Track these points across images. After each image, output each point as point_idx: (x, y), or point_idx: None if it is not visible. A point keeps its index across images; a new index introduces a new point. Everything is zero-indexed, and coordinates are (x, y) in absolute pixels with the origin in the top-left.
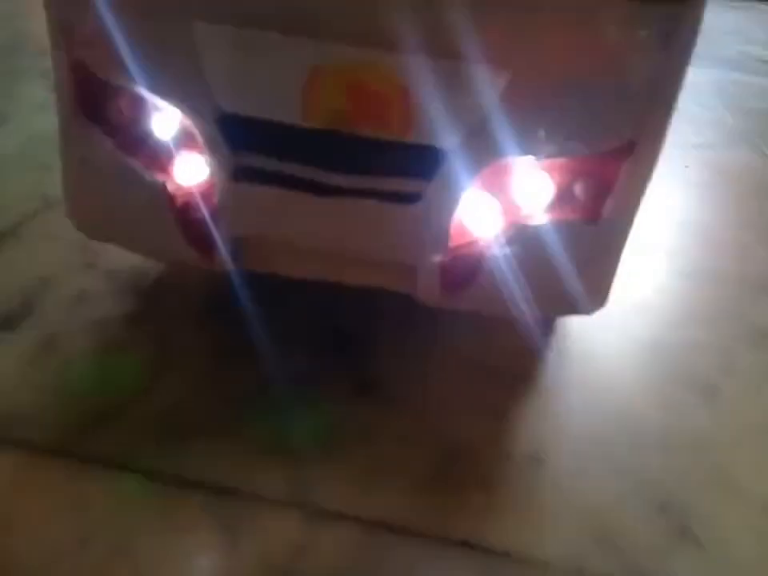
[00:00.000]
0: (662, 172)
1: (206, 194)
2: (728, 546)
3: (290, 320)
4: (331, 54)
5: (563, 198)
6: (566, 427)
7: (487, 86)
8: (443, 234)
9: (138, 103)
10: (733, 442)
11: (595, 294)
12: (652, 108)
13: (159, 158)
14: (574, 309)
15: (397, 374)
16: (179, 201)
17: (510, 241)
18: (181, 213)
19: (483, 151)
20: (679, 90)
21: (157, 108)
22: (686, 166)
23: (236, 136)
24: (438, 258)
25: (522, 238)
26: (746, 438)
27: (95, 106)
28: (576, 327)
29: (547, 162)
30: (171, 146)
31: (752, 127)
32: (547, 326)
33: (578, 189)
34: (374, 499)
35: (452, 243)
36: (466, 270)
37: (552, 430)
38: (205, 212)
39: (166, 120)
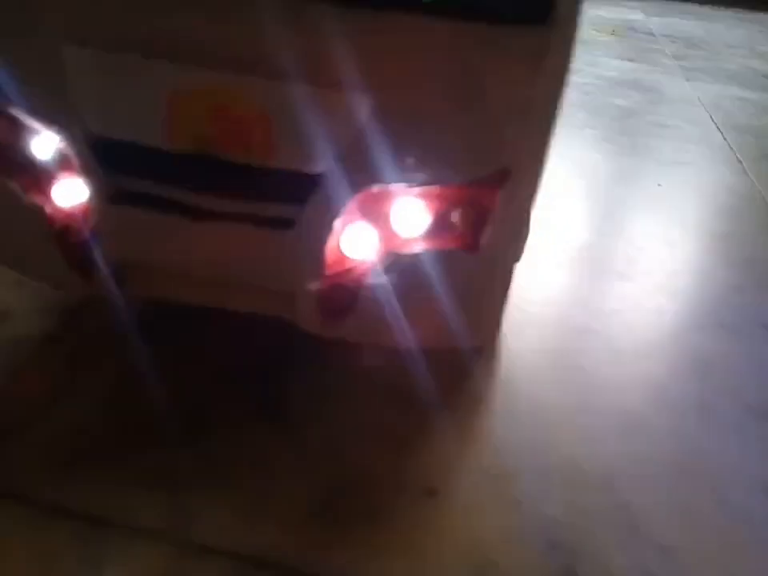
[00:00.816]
0: (633, 190)
1: (84, 217)
2: None
3: (201, 345)
4: (192, 79)
5: (441, 226)
6: (469, 459)
7: (350, 112)
8: (318, 260)
9: (14, 126)
10: (643, 484)
11: (481, 327)
12: (524, 134)
13: (38, 180)
14: (459, 342)
15: (305, 400)
16: (58, 223)
17: (389, 269)
18: (60, 236)
19: (352, 178)
20: (554, 115)
21: (34, 131)
22: (659, 185)
23: (109, 159)
24: (315, 286)
25: (401, 266)
26: (660, 479)
27: None
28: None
29: (421, 189)
30: (50, 168)
31: (740, 145)
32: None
33: (456, 217)
34: (255, 533)
35: (329, 270)
36: (344, 297)
37: (455, 461)
38: (84, 235)
39: (44, 143)
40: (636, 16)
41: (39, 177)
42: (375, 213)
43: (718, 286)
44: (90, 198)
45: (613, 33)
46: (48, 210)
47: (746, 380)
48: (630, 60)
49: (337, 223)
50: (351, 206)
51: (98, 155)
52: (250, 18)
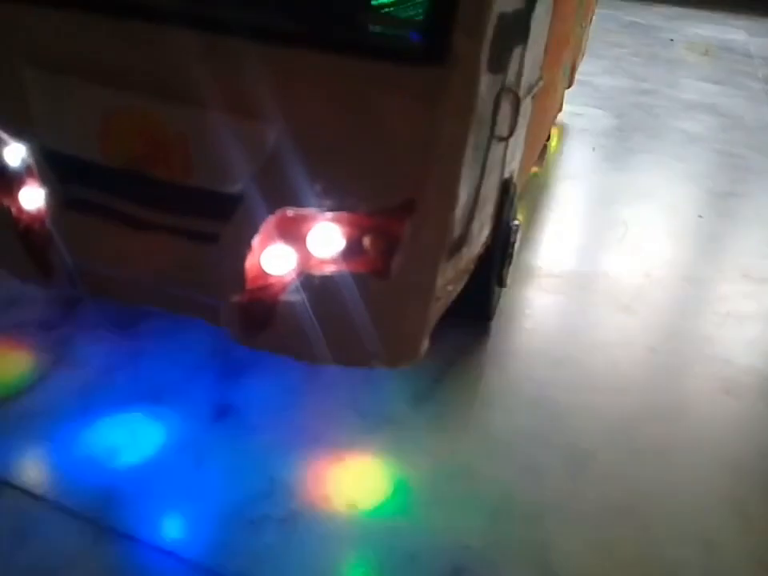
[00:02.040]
0: (672, 218)
1: (43, 221)
2: None
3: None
4: (121, 102)
5: (353, 250)
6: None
7: (261, 140)
8: (240, 274)
9: None
10: (568, 519)
11: (395, 348)
12: (428, 169)
13: (7, 184)
14: (370, 362)
15: (262, 404)
16: (22, 224)
17: (304, 287)
18: (23, 235)
19: (267, 200)
20: (461, 152)
21: (4, 142)
22: (700, 216)
23: (60, 170)
24: (236, 298)
25: (316, 285)
26: (590, 518)
27: None
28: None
29: (333, 215)
30: (17, 175)
31: None
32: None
33: (367, 243)
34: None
35: (250, 284)
36: (263, 311)
37: (379, 483)
38: (43, 236)
39: (12, 152)
40: (737, 36)
41: (8, 182)
42: (291, 234)
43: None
44: (47, 204)
45: (705, 53)
46: (14, 211)
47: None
48: (715, 83)
49: (256, 241)
50: (268, 226)
51: (51, 166)
52: (172, 49)
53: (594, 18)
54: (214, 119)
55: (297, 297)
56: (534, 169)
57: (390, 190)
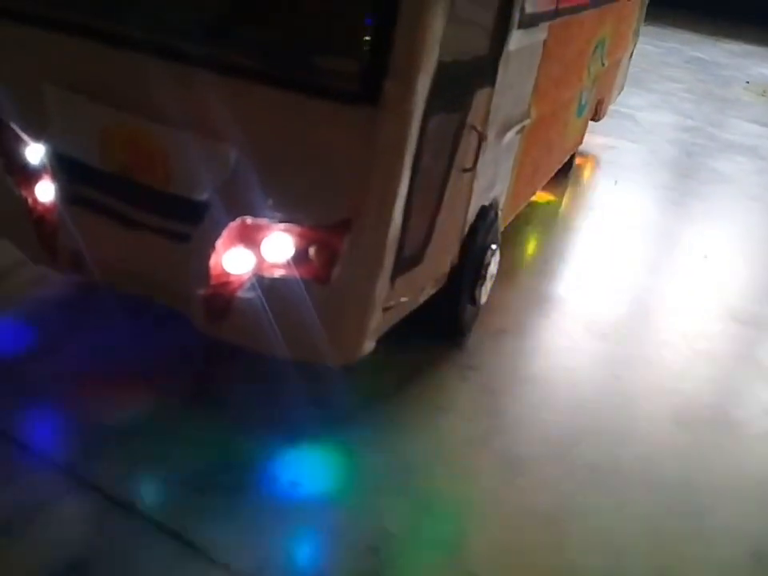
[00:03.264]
0: (677, 257)
1: (53, 212)
2: None
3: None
4: (116, 119)
5: (300, 258)
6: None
7: (223, 158)
8: (205, 270)
9: (15, 137)
10: (490, 520)
11: (337, 348)
12: (362, 194)
13: (28, 179)
14: (317, 357)
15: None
16: (36, 213)
17: (257, 286)
18: (36, 222)
19: (228, 208)
20: (394, 182)
21: (27, 143)
22: (705, 257)
23: (68, 170)
24: (201, 291)
25: (267, 285)
26: (512, 522)
27: None
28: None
29: (284, 226)
30: (36, 171)
31: None
32: None
33: (312, 253)
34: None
35: (213, 281)
36: (222, 304)
37: (325, 467)
38: (52, 225)
39: (33, 153)
40: None
41: (28, 176)
42: (249, 239)
43: None
44: (57, 198)
45: (764, 93)
46: (30, 202)
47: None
48: (764, 125)
49: (219, 243)
50: (230, 231)
51: (61, 166)
52: (156, 77)
53: (630, 53)
54: (187, 138)
55: (251, 294)
56: (549, 197)
57: (329, 209)
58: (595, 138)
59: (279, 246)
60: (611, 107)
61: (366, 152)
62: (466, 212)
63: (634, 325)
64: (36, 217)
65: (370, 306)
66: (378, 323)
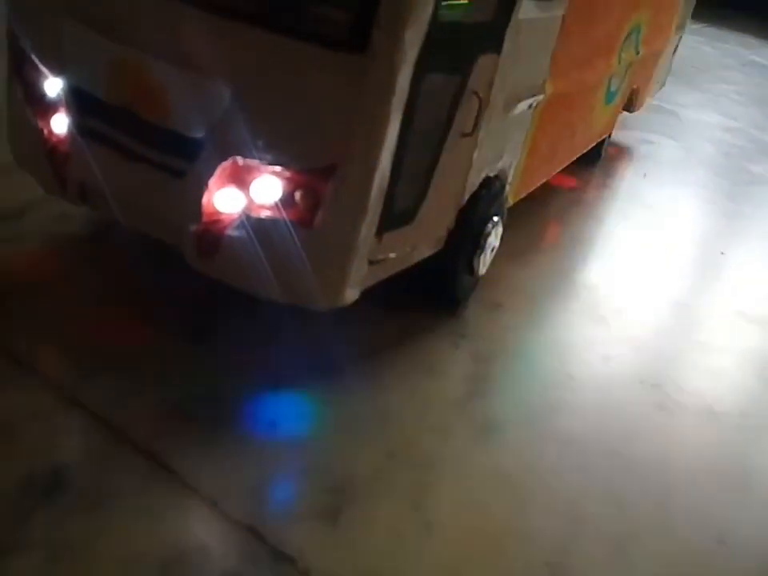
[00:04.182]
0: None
1: (64, 143)
2: None
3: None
4: (122, 53)
5: (286, 201)
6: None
7: (219, 96)
8: (197, 207)
9: (36, 70)
10: (456, 476)
11: (319, 292)
12: (348, 141)
13: (46, 110)
14: (300, 299)
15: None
16: (49, 143)
17: (245, 226)
18: (50, 153)
19: (221, 147)
20: (380, 131)
21: (46, 75)
22: (722, 253)
23: (78, 103)
24: (193, 227)
25: (254, 225)
26: (476, 480)
27: (17, 66)
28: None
29: (273, 168)
30: (53, 103)
31: None
32: None
33: (297, 197)
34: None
35: (205, 218)
36: (212, 241)
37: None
38: (63, 156)
39: (51, 85)
40: None
41: (45, 108)
42: (239, 180)
43: None
44: (68, 130)
45: None
46: (45, 133)
47: None
48: None
49: (212, 181)
50: (222, 170)
51: (74, 100)
52: (163, 16)
53: (675, 47)
54: (186, 75)
55: (239, 233)
56: (573, 183)
57: (315, 153)
58: (633, 132)
59: (267, 187)
60: (654, 102)
61: (352, 99)
62: (466, 178)
63: (633, 312)
64: (50, 147)
65: (351, 253)
66: (362, 273)
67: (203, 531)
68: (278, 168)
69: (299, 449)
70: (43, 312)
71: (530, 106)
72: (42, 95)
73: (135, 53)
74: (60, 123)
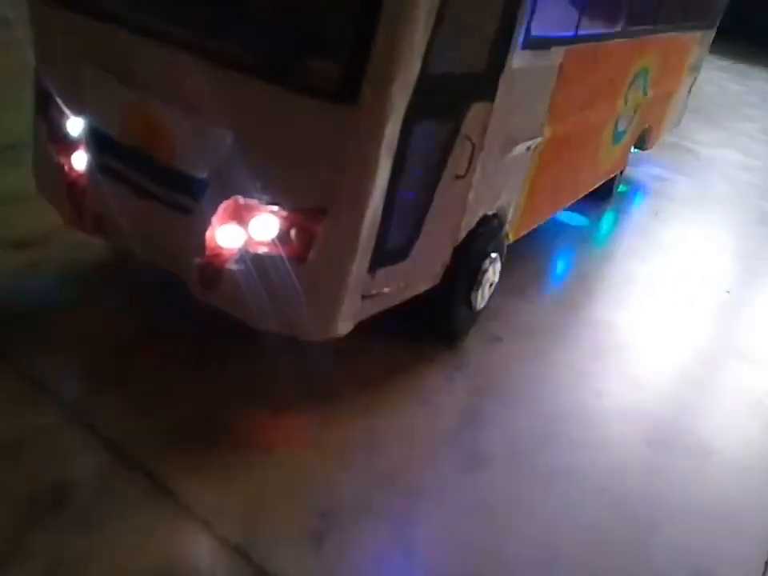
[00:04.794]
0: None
1: (83, 178)
2: None
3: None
4: (136, 99)
5: (282, 239)
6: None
7: (219, 139)
8: (201, 242)
9: (58, 109)
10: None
11: (311, 324)
12: (338, 185)
13: (67, 147)
14: (293, 331)
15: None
16: (69, 178)
17: (244, 260)
18: (69, 187)
19: (223, 187)
20: (369, 176)
21: (68, 116)
22: (728, 292)
23: (96, 142)
24: (197, 260)
25: (252, 260)
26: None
27: (42, 106)
28: None
29: (270, 208)
30: (74, 141)
31: None
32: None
33: (292, 234)
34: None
35: (207, 252)
36: (214, 274)
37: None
38: (80, 190)
39: (73, 124)
40: None
41: (66, 146)
42: (239, 218)
43: None
44: (87, 166)
45: None
46: (66, 167)
47: None
48: None
49: (215, 218)
50: (224, 208)
51: (93, 139)
52: (171, 66)
53: (690, 87)
54: (191, 120)
55: (239, 267)
56: (583, 220)
57: (308, 195)
58: (648, 169)
59: (265, 225)
60: (672, 140)
61: (342, 147)
62: (461, 217)
63: (632, 349)
64: (69, 182)
65: (343, 288)
66: (356, 307)
67: (193, 549)
68: (274, 208)
69: (291, 473)
70: (59, 335)
71: (529, 148)
72: (64, 133)
73: (146, 97)
74: (79, 160)
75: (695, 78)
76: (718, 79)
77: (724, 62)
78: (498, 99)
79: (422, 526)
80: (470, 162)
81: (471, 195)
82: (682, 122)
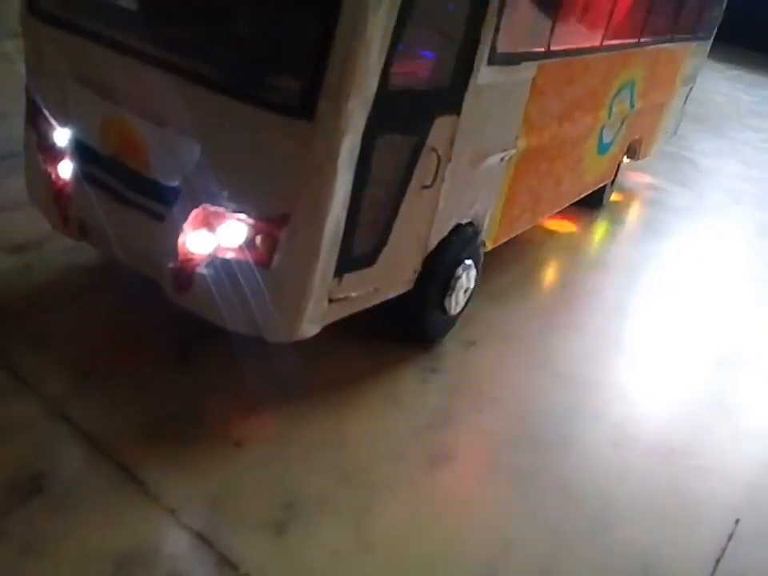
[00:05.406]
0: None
1: (68, 186)
2: None
3: None
4: (113, 111)
5: (248, 244)
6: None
7: (188, 150)
8: (174, 247)
9: (46, 121)
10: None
11: (280, 325)
12: (299, 195)
13: (54, 157)
14: (259, 332)
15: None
16: (56, 186)
17: (213, 265)
18: (55, 194)
19: (193, 196)
20: (328, 185)
21: (54, 127)
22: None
23: (79, 152)
24: (170, 264)
25: (220, 265)
26: None
27: (32, 117)
28: None
29: (236, 216)
30: (59, 151)
31: None
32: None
33: (257, 241)
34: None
35: (180, 257)
36: (185, 277)
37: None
38: (66, 197)
39: (59, 135)
40: None
41: (53, 155)
42: (208, 225)
43: None
44: (72, 175)
45: None
46: (53, 175)
47: None
48: None
49: (186, 225)
50: (194, 216)
51: (76, 148)
52: (144, 80)
53: (685, 98)
54: (163, 132)
55: (209, 271)
56: (571, 228)
57: (271, 204)
58: (644, 178)
59: (232, 232)
60: (671, 149)
61: (301, 159)
62: (430, 226)
63: (606, 354)
64: (56, 189)
65: (306, 292)
66: (322, 310)
67: (158, 535)
68: (240, 215)
69: (257, 467)
70: (47, 333)
71: (503, 159)
72: (51, 143)
73: (121, 110)
74: (65, 168)
75: (690, 89)
76: (728, 89)
77: (735, 72)
78: (464, 113)
79: (381, 521)
80: (437, 172)
81: (441, 204)
82: (680, 131)
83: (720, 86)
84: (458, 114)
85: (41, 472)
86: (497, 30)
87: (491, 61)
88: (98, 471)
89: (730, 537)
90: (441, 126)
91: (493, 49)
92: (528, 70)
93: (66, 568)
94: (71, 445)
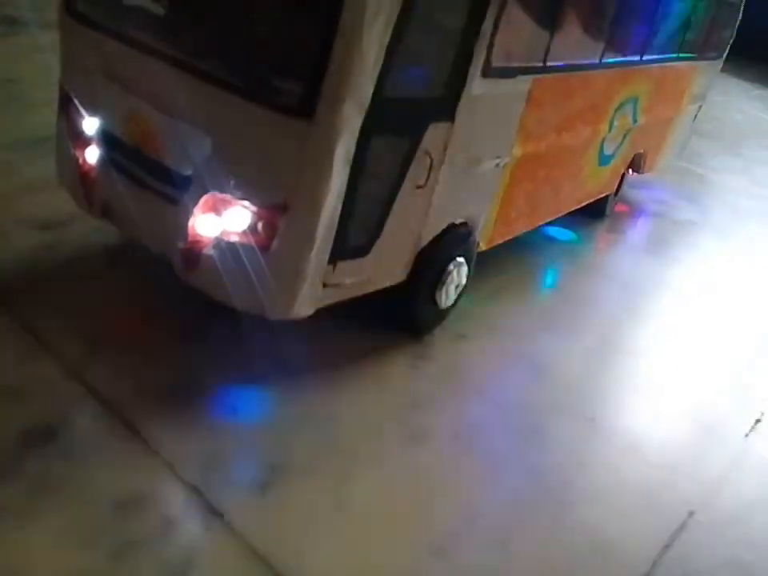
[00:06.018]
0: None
1: (94, 170)
2: None
3: None
4: (137, 105)
5: (250, 229)
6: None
7: (200, 142)
8: (185, 229)
9: (76, 110)
10: None
11: (275, 305)
12: (297, 187)
13: (82, 143)
14: (258, 310)
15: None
16: (82, 169)
17: (218, 247)
18: (82, 177)
19: (203, 183)
20: (322, 182)
21: (84, 116)
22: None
23: (105, 140)
24: (181, 245)
25: (225, 247)
26: None
27: (64, 107)
28: None
29: (241, 202)
30: (88, 138)
31: None
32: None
33: (259, 226)
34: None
35: (189, 238)
36: (193, 257)
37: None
38: (92, 180)
39: (88, 123)
40: None
41: (82, 141)
42: (216, 209)
43: None
44: (98, 160)
45: None
46: (81, 160)
47: None
48: None
49: (196, 209)
50: (204, 201)
51: (103, 136)
52: (163, 77)
53: (694, 115)
54: (178, 125)
55: (215, 252)
56: (572, 235)
57: (272, 193)
58: (649, 191)
59: (237, 217)
60: (682, 164)
61: (300, 155)
62: (423, 223)
63: (586, 362)
64: (82, 172)
65: (301, 275)
66: (317, 293)
67: (155, 485)
68: (245, 203)
69: (252, 432)
70: (70, 304)
71: (497, 165)
72: (80, 131)
73: (143, 104)
74: (91, 154)
75: (700, 107)
76: (749, 108)
77: (759, 91)
78: (458, 121)
79: (357, 485)
80: (429, 174)
81: (434, 203)
82: (695, 147)
83: (741, 105)
84: (452, 121)
85: (56, 424)
86: (491, 45)
87: (485, 74)
88: (106, 427)
89: (682, 526)
90: (435, 131)
91: (487, 62)
92: (523, 83)
93: (71, 507)
94: (85, 403)
